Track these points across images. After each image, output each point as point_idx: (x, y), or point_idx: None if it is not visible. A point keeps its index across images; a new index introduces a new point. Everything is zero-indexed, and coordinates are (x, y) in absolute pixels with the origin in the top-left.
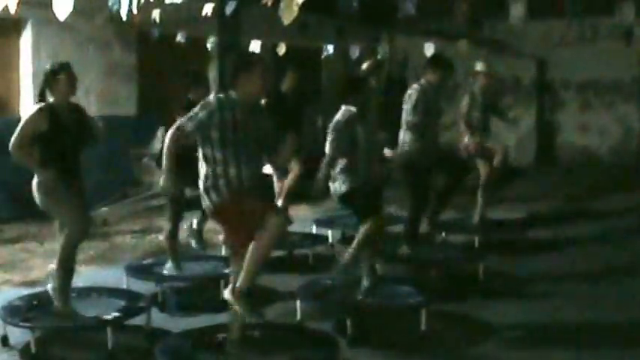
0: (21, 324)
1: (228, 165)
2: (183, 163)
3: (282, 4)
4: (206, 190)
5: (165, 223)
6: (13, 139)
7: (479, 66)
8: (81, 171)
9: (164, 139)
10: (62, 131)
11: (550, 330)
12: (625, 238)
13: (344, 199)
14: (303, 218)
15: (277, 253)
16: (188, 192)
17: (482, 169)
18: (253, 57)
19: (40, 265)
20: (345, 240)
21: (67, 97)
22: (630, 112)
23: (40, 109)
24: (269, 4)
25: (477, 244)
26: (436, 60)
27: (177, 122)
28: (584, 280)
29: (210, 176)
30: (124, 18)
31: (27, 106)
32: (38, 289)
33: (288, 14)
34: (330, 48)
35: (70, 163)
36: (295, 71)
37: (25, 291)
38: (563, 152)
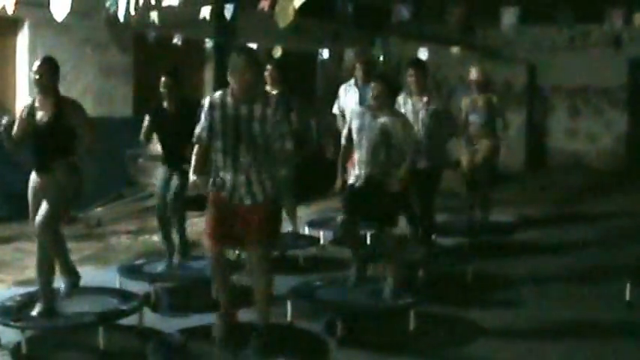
0: (12, 324)
1: (226, 157)
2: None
3: (277, 8)
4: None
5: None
6: None
7: (473, 73)
8: (56, 170)
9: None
10: (35, 128)
11: (538, 331)
12: (612, 241)
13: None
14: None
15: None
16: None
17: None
18: (246, 53)
19: (34, 265)
20: (337, 241)
21: (42, 91)
22: (618, 118)
23: (24, 106)
24: (266, 8)
25: (466, 246)
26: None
27: (194, 138)
28: (571, 281)
29: (213, 165)
30: (121, 19)
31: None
32: (31, 289)
33: (284, 18)
34: (326, 52)
35: (41, 160)
36: (276, 68)
37: (19, 291)
38: (553, 157)
